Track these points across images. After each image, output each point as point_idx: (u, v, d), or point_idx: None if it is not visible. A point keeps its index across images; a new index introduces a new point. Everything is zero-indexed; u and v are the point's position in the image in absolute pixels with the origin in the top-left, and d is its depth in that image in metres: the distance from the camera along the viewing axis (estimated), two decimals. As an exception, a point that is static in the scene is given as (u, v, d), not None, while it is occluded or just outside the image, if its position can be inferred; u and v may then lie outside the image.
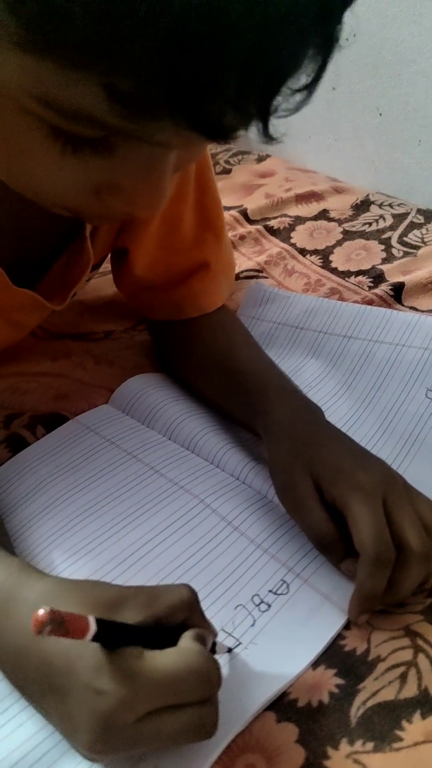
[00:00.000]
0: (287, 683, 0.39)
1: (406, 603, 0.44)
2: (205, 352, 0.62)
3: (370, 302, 0.74)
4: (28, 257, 0.54)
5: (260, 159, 1.18)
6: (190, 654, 0.33)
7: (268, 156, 1.19)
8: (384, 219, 0.92)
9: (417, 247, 0.84)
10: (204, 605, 0.37)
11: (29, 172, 0.34)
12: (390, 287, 0.76)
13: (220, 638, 0.41)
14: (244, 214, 0.97)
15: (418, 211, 0.93)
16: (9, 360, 0.67)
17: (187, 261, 0.64)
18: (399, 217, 0.92)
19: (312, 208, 0.97)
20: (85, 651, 0.32)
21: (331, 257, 0.85)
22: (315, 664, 0.40)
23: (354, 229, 0.91)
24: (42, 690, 0.33)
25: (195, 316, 0.65)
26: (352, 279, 0.80)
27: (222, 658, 0.39)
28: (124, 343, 0.72)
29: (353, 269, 0.82)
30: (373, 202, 0.97)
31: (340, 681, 0.39)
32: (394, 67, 0.98)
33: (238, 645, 0.41)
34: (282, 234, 0.92)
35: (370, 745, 0.36)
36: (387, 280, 0.78)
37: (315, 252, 0.87)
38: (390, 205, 0.96)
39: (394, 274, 0.79)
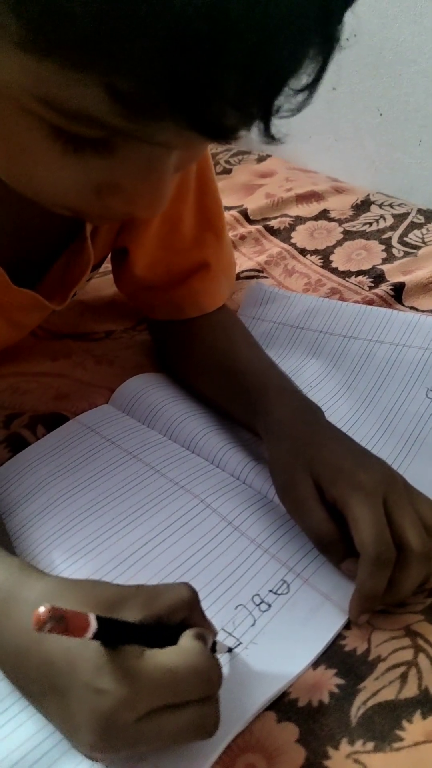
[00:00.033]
0: (287, 683, 0.39)
1: (406, 603, 0.44)
2: (205, 352, 0.62)
3: (370, 302, 0.74)
4: (29, 257, 0.54)
5: (260, 159, 1.18)
6: (191, 653, 0.33)
7: (268, 156, 1.19)
8: (384, 219, 0.92)
9: (417, 247, 0.84)
10: (204, 605, 0.37)
11: (29, 171, 0.34)
12: (390, 287, 0.76)
13: (221, 638, 0.41)
14: (245, 214, 0.97)
15: (419, 211, 0.93)
16: (9, 360, 0.67)
17: (187, 261, 0.64)
18: (399, 217, 0.92)
19: (312, 208, 0.97)
20: (86, 650, 0.32)
21: (332, 257, 0.85)
22: (315, 664, 0.40)
23: (354, 229, 0.91)
24: (43, 689, 0.33)
25: (195, 316, 0.65)
26: (353, 279, 0.80)
27: (222, 658, 0.39)
28: (124, 343, 0.72)
29: (353, 269, 0.82)
30: (373, 202, 0.97)
31: (340, 681, 0.39)
32: (394, 67, 0.98)
33: (239, 645, 0.41)
34: (282, 234, 0.92)
35: (370, 745, 0.36)
36: (387, 280, 0.78)
37: (315, 252, 0.87)
38: (390, 205, 0.96)
39: (394, 274, 0.79)
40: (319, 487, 0.45)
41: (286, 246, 0.89)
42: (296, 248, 0.88)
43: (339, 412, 0.60)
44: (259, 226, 0.94)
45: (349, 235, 0.90)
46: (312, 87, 0.29)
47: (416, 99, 0.97)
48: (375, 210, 0.95)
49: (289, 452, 0.48)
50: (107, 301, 0.78)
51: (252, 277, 0.83)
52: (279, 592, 0.44)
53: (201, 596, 0.37)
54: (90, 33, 0.24)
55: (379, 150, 1.06)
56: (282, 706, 0.38)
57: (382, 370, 0.64)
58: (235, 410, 0.58)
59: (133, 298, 0.68)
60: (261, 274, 0.84)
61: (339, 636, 0.42)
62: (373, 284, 0.78)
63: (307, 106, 0.29)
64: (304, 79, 0.28)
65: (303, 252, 0.87)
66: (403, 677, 0.39)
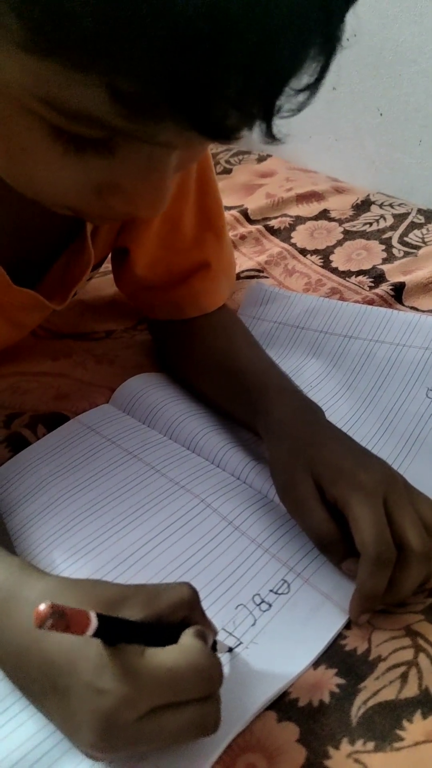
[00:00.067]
0: (288, 683, 0.39)
1: (406, 603, 0.44)
2: (205, 352, 0.62)
3: (370, 302, 0.74)
4: (29, 257, 0.54)
5: (261, 159, 1.18)
6: (192, 651, 0.33)
7: (268, 156, 1.19)
8: (384, 219, 0.92)
9: (417, 247, 0.84)
10: (205, 605, 0.37)
11: (30, 171, 0.34)
12: (390, 287, 0.76)
13: (221, 638, 0.41)
14: (245, 213, 0.97)
15: (419, 211, 0.93)
16: (9, 360, 0.67)
17: (187, 261, 0.64)
18: (399, 217, 0.92)
19: (312, 208, 0.97)
20: (87, 649, 0.32)
21: (332, 257, 0.85)
22: (316, 664, 0.40)
23: (354, 229, 0.91)
24: (43, 689, 0.33)
25: (195, 315, 0.65)
26: (353, 279, 0.80)
27: (223, 658, 0.39)
28: (124, 343, 0.72)
29: (354, 269, 0.82)
30: (373, 202, 0.97)
31: (340, 681, 0.39)
32: (394, 67, 0.98)
33: (239, 644, 0.41)
34: (282, 234, 0.92)
35: (370, 745, 0.36)
36: (387, 280, 0.78)
37: (315, 252, 0.87)
38: (390, 205, 0.96)
39: (394, 274, 0.79)
40: (319, 487, 0.45)
41: (286, 246, 0.89)
42: (296, 248, 0.88)
43: (339, 412, 0.60)
44: (260, 226, 0.94)
45: (349, 235, 0.90)
46: (314, 87, 0.29)
47: (416, 99, 0.97)
48: (375, 210, 0.95)
49: (289, 452, 0.48)
50: (107, 300, 0.78)
51: (252, 277, 0.83)
52: (279, 591, 0.44)
53: (201, 596, 0.37)
54: (91, 33, 0.24)
55: (380, 150, 1.06)
56: (282, 705, 0.38)
57: (382, 370, 0.64)
58: (235, 410, 0.58)
59: (133, 297, 0.68)
60: (261, 274, 0.84)
61: (339, 636, 0.42)
62: (373, 284, 0.78)
63: (308, 105, 0.29)
64: (305, 78, 0.28)
65: (303, 252, 0.87)
66: (404, 677, 0.39)
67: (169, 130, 0.28)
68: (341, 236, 0.90)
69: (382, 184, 1.04)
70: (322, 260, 0.85)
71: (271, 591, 0.44)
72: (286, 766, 0.35)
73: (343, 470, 0.44)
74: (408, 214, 0.92)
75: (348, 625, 0.43)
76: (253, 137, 0.30)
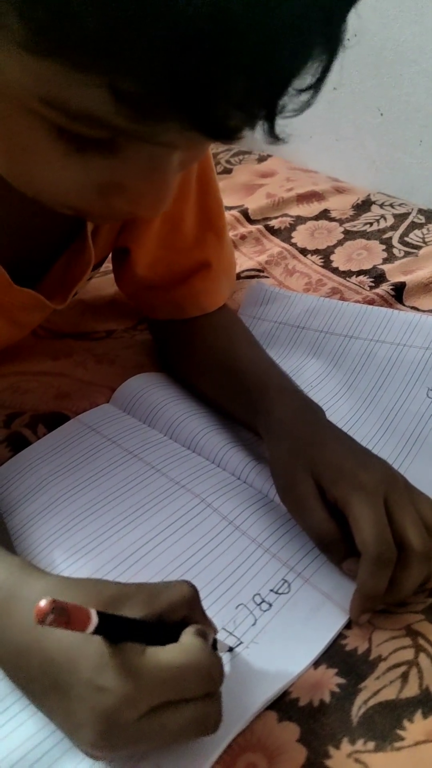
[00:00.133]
0: (288, 682, 0.39)
1: (407, 602, 0.44)
2: (206, 352, 0.62)
3: (371, 302, 0.74)
4: (30, 256, 0.54)
5: (261, 159, 1.18)
6: (192, 649, 0.33)
7: (269, 156, 1.19)
8: (385, 219, 0.92)
9: (418, 247, 0.84)
10: (205, 604, 0.37)
11: (32, 171, 0.34)
12: (391, 287, 0.76)
13: (222, 637, 0.41)
14: (245, 213, 0.97)
15: (419, 211, 0.93)
16: (10, 359, 0.67)
17: (188, 260, 0.64)
18: (400, 217, 0.92)
19: (313, 208, 0.97)
20: (87, 647, 0.32)
21: (332, 257, 0.85)
22: (316, 664, 0.40)
23: (355, 229, 0.91)
24: (44, 688, 0.33)
25: (196, 315, 0.65)
26: (353, 279, 0.80)
27: (223, 657, 0.39)
28: (125, 343, 0.72)
29: (354, 269, 0.82)
30: (374, 202, 0.97)
31: (341, 680, 0.39)
32: (395, 67, 0.98)
33: (240, 644, 0.41)
34: (283, 234, 0.92)
35: (371, 745, 0.36)
36: (388, 280, 0.78)
37: (316, 252, 0.87)
38: (391, 205, 0.96)
39: (395, 273, 0.79)
40: (320, 487, 0.45)
41: (286, 246, 0.89)
42: (297, 248, 0.88)
43: (340, 412, 0.60)
44: (260, 226, 0.94)
45: (349, 235, 0.90)
46: (316, 87, 0.29)
47: (417, 99, 0.97)
48: (376, 210, 0.95)
49: (289, 452, 0.48)
50: (108, 300, 0.78)
51: (252, 277, 0.83)
52: (280, 591, 0.44)
53: (202, 595, 0.37)
54: (93, 34, 0.24)
55: (380, 150, 1.06)
56: (283, 705, 0.38)
57: (382, 370, 0.64)
58: (235, 410, 0.58)
59: (134, 297, 0.68)
60: (261, 274, 0.84)
61: (340, 635, 0.42)
62: (373, 284, 0.78)
63: (311, 105, 0.29)
64: (308, 78, 0.28)
65: (303, 252, 0.87)
66: (404, 677, 0.39)
67: (171, 130, 0.28)
68: (342, 236, 0.90)
69: (383, 184, 1.04)
70: (322, 260, 0.85)
71: (271, 591, 0.44)
72: (286, 766, 0.35)
73: (343, 470, 0.44)
74: (408, 214, 0.92)
75: (348, 625, 0.43)
76: (253, 137, 0.30)
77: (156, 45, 0.25)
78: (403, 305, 0.74)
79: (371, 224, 0.92)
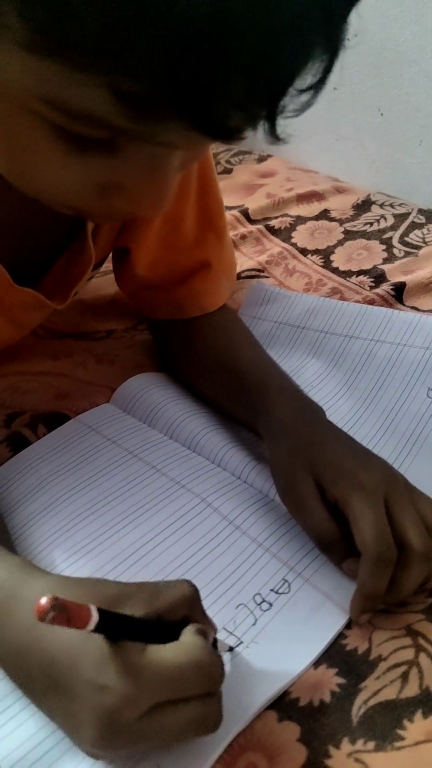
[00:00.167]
0: (289, 682, 0.39)
1: (407, 602, 0.44)
2: (206, 352, 0.62)
3: (371, 302, 0.74)
4: (30, 256, 0.54)
5: (261, 159, 1.18)
6: (193, 648, 0.33)
7: (269, 156, 1.19)
8: (385, 219, 0.92)
9: (418, 247, 0.84)
10: (205, 604, 0.37)
11: (32, 170, 0.34)
12: (391, 287, 0.76)
13: (222, 637, 0.41)
14: (245, 213, 0.97)
15: (420, 211, 0.93)
16: (10, 359, 0.67)
17: (188, 260, 0.64)
18: (400, 217, 0.92)
19: (313, 208, 0.97)
20: (88, 646, 0.32)
21: (332, 257, 0.85)
22: (316, 664, 0.40)
23: (355, 229, 0.91)
24: (44, 687, 0.33)
25: (196, 315, 0.65)
26: (353, 279, 0.80)
27: (223, 657, 0.39)
28: (125, 343, 0.72)
29: (354, 269, 0.82)
30: (374, 202, 0.97)
31: (341, 680, 0.39)
32: (395, 67, 0.98)
33: (240, 644, 0.41)
34: (283, 234, 0.92)
35: (371, 745, 0.36)
36: (388, 280, 0.78)
37: (316, 252, 0.87)
38: (391, 205, 0.96)
39: (395, 273, 0.79)
40: (320, 487, 0.45)
41: (286, 246, 0.89)
42: (297, 248, 0.88)
43: (340, 412, 0.60)
44: (260, 226, 0.94)
45: (349, 235, 0.90)
46: (317, 87, 0.29)
47: (417, 99, 0.97)
48: (376, 210, 0.95)
49: (290, 452, 0.48)
50: (108, 300, 0.78)
51: (253, 277, 0.83)
52: (280, 591, 0.44)
53: (202, 595, 0.37)
54: (93, 34, 0.24)
55: (380, 150, 1.06)
56: (283, 705, 0.38)
57: (383, 370, 0.64)
58: (236, 410, 0.58)
59: (134, 297, 0.68)
60: (262, 274, 0.84)
61: (340, 635, 0.42)
62: (373, 284, 0.78)
63: (312, 105, 0.29)
64: (309, 78, 0.28)
65: (304, 252, 0.87)
66: (404, 677, 0.39)
67: (171, 130, 0.28)
68: (342, 236, 0.90)
69: (383, 184, 1.04)
70: (322, 260, 0.85)
71: (271, 590, 0.44)
72: (286, 766, 0.35)
73: (343, 470, 0.44)
74: (408, 214, 0.92)
75: (348, 625, 0.43)
76: (254, 137, 0.30)
77: (156, 45, 0.25)
78: (404, 305, 0.74)
79: (371, 224, 0.92)
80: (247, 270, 0.84)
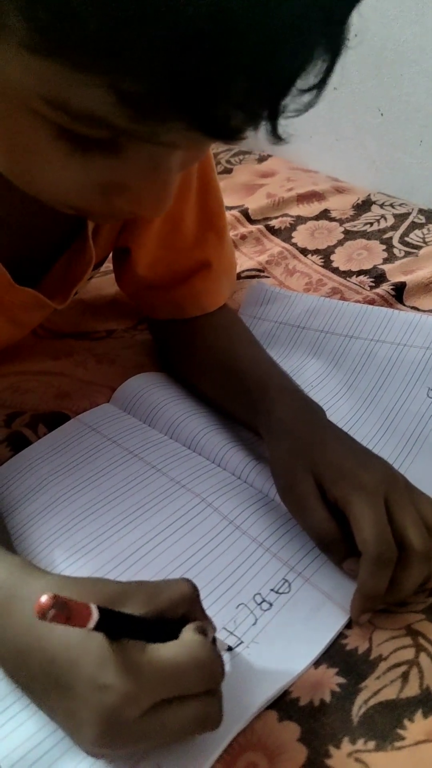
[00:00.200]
0: (289, 682, 0.39)
1: (407, 602, 0.44)
2: (206, 352, 0.62)
3: (371, 302, 0.74)
4: (30, 255, 0.54)
5: (261, 159, 1.18)
6: (193, 645, 0.33)
7: (269, 156, 1.19)
8: (385, 219, 0.92)
9: (418, 247, 0.84)
10: (206, 604, 0.37)
11: (33, 170, 0.34)
12: (391, 287, 0.76)
13: (222, 637, 0.41)
14: (246, 213, 0.97)
15: (420, 211, 0.93)
16: (10, 359, 0.67)
17: (188, 260, 0.64)
18: (400, 217, 0.92)
19: (313, 208, 0.97)
20: (89, 645, 0.32)
21: (333, 257, 0.85)
22: (316, 663, 0.41)
23: (355, 228, 0.91)
24: (45, 687, 0.33)
25: (196, 315, 0.65)
26: (354, 279, 0.80)
27: (224, 657, 0.39)
28: (125, 342, 0.72)
29: (354, 269, 0.82)
30: (374, 202, 0.97)
31: (341, 680, 0.39)
32: (395, 67, 0.98)
33: (240, 644, 0.41)
34: (283, 234, 0.92)
35: (371, 744, 0.36)
36: (388, 280, 0.78)
37: (316, 252, 0.87)
38: (391, 205, 0.96)
39: (395, 273, 0.79)
40: (320, 487, 0.45)
41: (286, 246, 0.89)
42: (297, 248, 0.88)
43: (340, 412, 0.60)
44: (260, 226, 0.94)
45: (349, 235, 0.90)
46: (319, 86, 0.29)
47: (417, 99, 0.97)
48: (376, 210, 0.95)
49: (290, 452, 0.48)
50: (108, 300, 0.78)
51: (253, 277, 0.83)
52: (280, 591, 0.44)
53: (202, 595, 0.37)
54: (95, 34, 0.24)
55: (380, 150, 1.06)
56: (283, 705, 0.38)
57: (383, 370, 0.64)
58: (236, 410, 0.58)
59: (134, 297, 0.68)
60: (262, 274, 0.84)
61: (340, 635, 0.42)
62: (374, 284, 0.78)
63: (314, 105, 0.29)
64: (311, 78, 0.28)
65: (304, 252, 0.87)
66: (405, 676, 0.39)
67: (173, 130, 0.28)
68: (342, 236, 0.90)
69: (383, 184, 1.04)
70: (322, 260, 0.85)
71: (272, 590, 0.44)
72: (287, 765, 0.35)
73: (344, 470, 0.44)
74: (409, 214, 0.92)
75: (349, 625, 0.43)
76: (254, 137, 0.30)
77: (157, 45, 0.25)
78: (404, 305, 0.74)
79: (371, 224, 0.92)
80: (247, 270, 0.84)
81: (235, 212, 0.97)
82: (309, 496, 0.45)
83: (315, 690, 0.39)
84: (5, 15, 0.25)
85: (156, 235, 0.61)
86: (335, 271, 0.82)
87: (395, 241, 0.86)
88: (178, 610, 0.35)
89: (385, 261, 0.82)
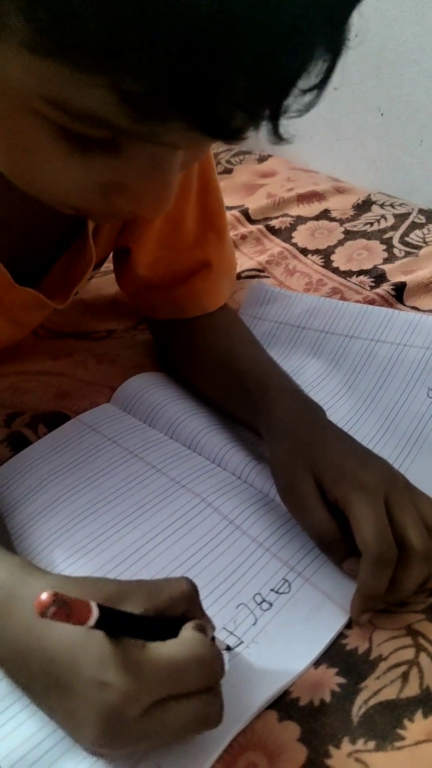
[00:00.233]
0: (289, 682, 0.39)
1: (407, 602, 0.44)
2: (206, 352, 0.62)
3: (371, 302, 0.74)
4: (31, 255, 0.54)
5: (262, 159, 1.18)
6: (192, 643, 0.33)
7: (269, 156, 1.19)
8: (385, 219, 0.92)
9: (418, 247, 0.84)
10: (205, 604, 0.37)
11: (33, 170, 0.34)
12: (391, 287, 0.76)
13: (222, 637, 0.41)
14: (246, 213, 0.97)
15: (420, 211, 0.93)
16: (10, 359, 0.67)
17: (189, 260, 0.64)
18: (400, 217, 0.92)
19: (313, 208, 0.98)
20: (89, 643, 0.32)
21: (333, 257, 0.85)
22: (317, 663, 0.41)
23: (355, 229, 0.91)
24: (45, 687, 0.33)
25: (197, 315, 0.65)
26: (354, 279, 0.80)
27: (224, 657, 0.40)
28: (125, 342, 0.72)
29: (355, 269, 0.82)
30: (374, 202, 0.97)
31: (341, 680, 0.39)
32: (395, 67, 0.98)
33: (240, 644, 0.41)
34: (283, 234, 0.92)
35: (371, 744, 0.36)
36: (388, 280, 0.78)
37: (316, 252, 0.87)
38: (391, 205, 0.96)
39: (395, 273, 0.79)
40: (320, 487, 0.45)
41: (287, 246, 0.89)
42: (297, 248, 0.88)
43: (340, 412, 0.60)
44: (260, 226, 0.94)
45: (350, 235, 0.90)
46: (320, 86, 0.29)
47: (417, 99, 0.97)
48: (376, 210, 0.95)
49: (290, 452, 0.48)
50: (109, 300, 0.78)
51: (253, 277, 0.83)
52: (280, 591, 0.44)
53: (202, 595, 0.37)
54: (96, 34, 0.24)
55: (381, 150, 1.06)
56: (283, 704, 0.38)
57: (383, 370, 0.64)
58: (236, 410, 0.58)
59: (134, 297, 0.68)
60: (262, 274, 0.84)
61: (340, 635, 0.42)
62: (374, 284, 0.78)
63: (315, 105, 0.29)
64: (312, 78, 0.28)
65: (304, 252, 0.87)
66: (405, 676, 0.39)
67: (174, 130, 0.28)
68: (342, 236, 0.90)
69: (383, 184, 1.04)
70: (322, 260, 0.85)
71: (272, 590, 0.44)
72: (286, 765, 0.35)
73: (344, 470, 0.44)
74: (409, 214, 0.92)
75: (349, 625, 0.43)
76: (254, 136, 0.30)
77: (157, 45, 0.25)
78: (404, 305, 0.74)
79: (372, 224, 0.92)
80: (248, 270, 0.84)
81: (236, 212, 0.97)
82: (309, 496, 0.45)
83: (315, 690, 0.39)
84: (6, 15, 0.25)
85: (156, 235, 0.61)
86: (335, 271, 0.82)
87: (395, 241, 0.86)
88: (177, 608, 0.35)
89: (386, 261, 0.82)
